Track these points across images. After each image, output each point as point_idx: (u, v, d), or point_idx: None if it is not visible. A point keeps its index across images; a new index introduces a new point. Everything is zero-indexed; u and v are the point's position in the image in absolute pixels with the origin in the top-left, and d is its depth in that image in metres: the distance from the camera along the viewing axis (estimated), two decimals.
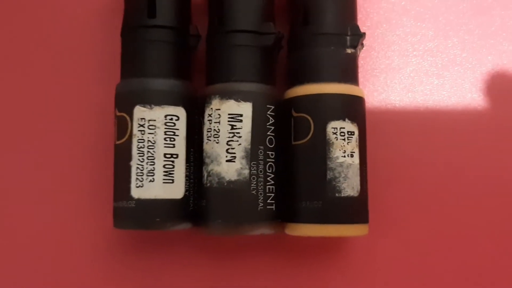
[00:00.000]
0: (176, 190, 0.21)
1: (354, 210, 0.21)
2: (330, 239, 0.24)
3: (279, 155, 0.22)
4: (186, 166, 0.22)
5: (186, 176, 0.22)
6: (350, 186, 0.21)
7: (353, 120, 0.22)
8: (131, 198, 0.21)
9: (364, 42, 0.23)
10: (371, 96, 0.25)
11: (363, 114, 0.22)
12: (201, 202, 0.22)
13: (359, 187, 0.22)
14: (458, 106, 0.25)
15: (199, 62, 0.24)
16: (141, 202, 0.21)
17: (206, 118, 0.22)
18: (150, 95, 0.21)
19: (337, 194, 0.21)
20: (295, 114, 0.22)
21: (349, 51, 0.22)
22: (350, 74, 0.22)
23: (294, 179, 0.22)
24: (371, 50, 0.26)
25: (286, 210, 0.22)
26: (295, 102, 0.22)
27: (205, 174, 0.22)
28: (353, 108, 0.22)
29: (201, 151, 0.22)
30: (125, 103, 0.22)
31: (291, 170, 0.22)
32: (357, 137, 0.22)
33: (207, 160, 0.22)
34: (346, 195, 0.21)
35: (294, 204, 0.22)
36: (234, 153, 0.21)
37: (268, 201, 0.21)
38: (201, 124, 0.22)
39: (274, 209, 0.22)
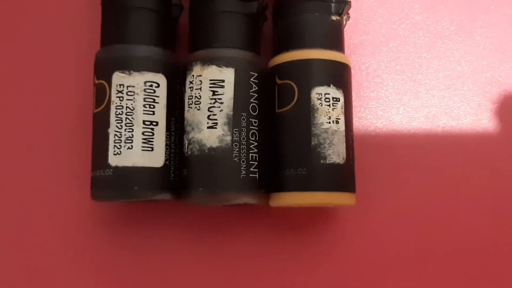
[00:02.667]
0: (156, 158, 0.21)
1: (340, 178, 0.21)
2: (316, 211, 0.23)
3: (263, 124, 0.21)
4: (167, 134, 0.21)
5: (167, 145, 0.21)
6: (335, 153, 0.21)
7: (338, 86, 0.21)
8: (109, 166, 0.20)
9: (350, 12, 0.23)
10: (357, 69, 0.24)
11: (349, 82, 0.22)
12: (182, 171, 0.21)
13: (344, 154, 0.21)
14: (442, 75, 0.25)
15: (183, 36, 0.24)
16: (119, 170, 0.20)
17: (188, 85, 0.21)
18: (129, 61, 0.21)
19: (322, 161, 0.20)
20: (279, 82, 0.21)
21: (334, 18, 0.22)
22: (335, 41, 0.22)
23: (278, 147, 0.21)
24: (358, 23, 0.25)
25: (270, 181, 0.21)
26: (279, 69, 0.21)
27: (186, 142, 0.21)
28: (338, 74, 0.21)
29: (182, 121, 0.21)
30: (104, 70, 0.21)
31: (275, 138, 0.21)
32: (343, 104, 0.21)
33: (188, 128, 0.21)
34: (332, 162, 0.20)
35: (278, 173, 0.21)
36: (216, 119, 0.21)
37: (251, 169, 0.21)
38: (182, 93, 0.22)
39: (257, 178, 0.21)
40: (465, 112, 0.24)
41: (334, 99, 0.21)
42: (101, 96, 0.21)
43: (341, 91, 0.21)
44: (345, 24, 0.23)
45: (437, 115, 0.24)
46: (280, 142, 0.21)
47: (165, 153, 0.21)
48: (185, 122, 0.21)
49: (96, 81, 0.21)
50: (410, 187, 0.24)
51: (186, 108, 0.21)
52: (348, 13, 0.23)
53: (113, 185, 0.20)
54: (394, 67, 0.25)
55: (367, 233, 0.23)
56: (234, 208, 0.23)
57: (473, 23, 0.25)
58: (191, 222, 0.23)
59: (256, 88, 0.21)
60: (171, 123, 0.21)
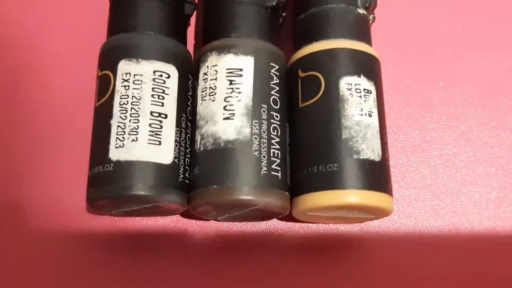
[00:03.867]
0: (163, 153, 0.18)
1: (377, 176, 0.18)
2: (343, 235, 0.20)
3: (285, 119, 0.19)
4: (177, 130, 0.19)
5: (176, 141, 0.18)
6: (369, 149, 0.18)
7: (369, 78, 0.19)
8: (109, 161, 0.18)
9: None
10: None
11: (379, 75, 0.20)
12: (193, 170, 0.18)
13: (380, 151, 0.18)
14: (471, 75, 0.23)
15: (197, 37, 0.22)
16: (120, 164, 0.18)
17: (201, 77, 0.19)
18: (137, 49, 0.19)
19: (355, 156, 0.18)
20: (302, 75, 0.19)
21: (360, 11, 0.20)
22: (363, 33, 0.20)
23: (303, 144, 0.19)
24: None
25: (294, 184, 0.18)
26: (302, 62, 0.19)
27: (198, 138, 0.18)
28: (369, 65, 0.19)
29: (194, 117, 0.19)
30: (109, 59, 0.19)
31: (299, 135, 0.19)
32: (375, 97, 0.19)
33: (200, 122, 0.19)
34: (366, 157, 0.18)
35: (304, 173, 0.18)
36: (233, 110, 0.18)
37: (273, 166, 0.18)
38: (195, 90, 0.20)
39: (279, 177, 0.18)
40: None
41: (366, 91, 0.19)
42: (105, 87, 0.19)
43: (372, 83, 0.19)
44: (371, 23, 0.21)
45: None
46: (305, 138, 0.18)
47: (174, 150, 0.18)
48: (198, 116, 0.19)
49: (100, 73, 0.19)
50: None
51: (199, 101, 0.19)
52: (373, 13, 0.21)
53: (113, 182, 0.17)
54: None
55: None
56: (248, 226, 0.20)
57: None
58: (198, 246, 0.20)
59: (277, 81, 0.19)
60: (182, 119, 0.19)
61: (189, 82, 0.20)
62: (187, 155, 0.19)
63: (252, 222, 0.21)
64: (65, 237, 0.20)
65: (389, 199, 0.18)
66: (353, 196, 0.17)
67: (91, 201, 0.18)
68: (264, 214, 0.19)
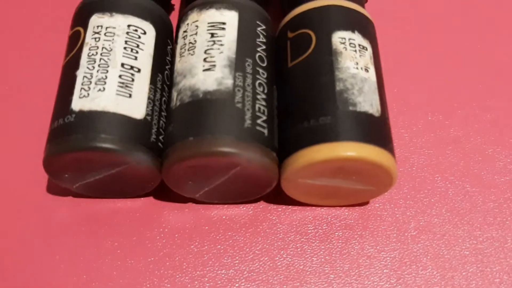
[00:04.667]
0: (134, 107, 0.16)
1: (377, 129, 0.16)
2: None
3: (272, 80, 0.17)
4: (151, 88, 0.17)
5: (150, 99, 0.16)
6: (367, 102, 0.16)
7: (364, 35, 0.17)
8: (71, 112, 0.15)
9: None
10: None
11: (375, 38, 0.18)
12: (168, 128, 0.16)
13: (379, 106, 0.16)
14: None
15: None
16: (83, 114, 0.15)
17: (181, 36, 0.18)
18: (111, 4, 0.17)
19: (351, 108, 0.16)
20: (291, 35, 0.18)
21: None
22: None
23: (290, 103, 0.16)
24: None
25: (282, 148, 0.16)
26: (291, 23, 0.18)
27: (175, 94, 0.16)
28: (363, 25, 0.18)
29: (172, 77, 0.17)
30: (81, 16, 0.17)
31: (287, 95, 0.17)
32: (371, 55, 0.17)
33: (178, 78, 0.17)
34: (363, 110, 0.16)
35: (292, 132, 0.16)
36: (214, 61, 0.16)
37: (259, 121, 0.16)
38: (175, 54, 0.18)
39: (266, 135, 0.16)
40: None
41: (361, 47, 0.17)
42: (74, 43, 0.17)
43: (368, 41, 0.17)
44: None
45: None
46: (294, 95, 0.16)
47: (147, 107, 0.16)
48: (175, 74, 0.17)
49: (70, 32, 0.18)
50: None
51: (178, 59, 0.17)
52: None
53: (74, 133, 0.15)
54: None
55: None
56: (232, 211, 0.18)
57: None
58: (169, 218, 0.17)
59: (264, 40, 0.17)
60: (158, 79, 0.17)
61: (168, 47, 0.18)
62: (161, 117, 0.17)
63: (236, 206, 0.18)
64: (21, 221, 0.17)
65: (391, 159, 0.16)
66: (350, 148, 0.15)
67: (47, 160, 0.16)
68: (248, 185, 0.16)
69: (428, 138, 0.19)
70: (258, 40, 0.17)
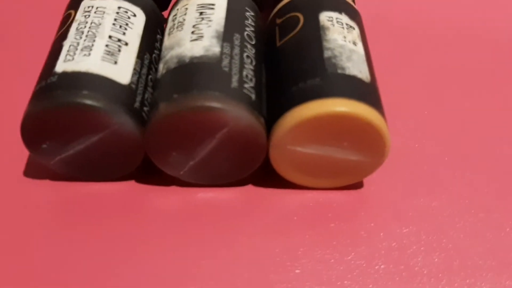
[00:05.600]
0: (119, 72, 0.16)
1: (367, 92, 0.15)
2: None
3: (260, 59, 0.17)
4: (137, 61, 0.16)
5: (135, 70, 0.16)
6: (356, 68, 0.16)
7: (351, 18, 0.17)
8: (54, 74, 0.15)
9: None
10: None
11: (362, 26, 0.18)
12: (153, 95, 0.16)
13: (368, 75, 0.16)
14: None
15: None
16: (66, 75, 0.15)
17: (170, 20, 0.18)
18: None
19: (339, 71, 0.15)
20: (279, 21, 0.18)
21: None
22: None
23: (279, 75, 0.16)
24: None
25: (270, 119, 0.16)
26: (279, 11, 0.18)
27: (161, 65, 0.16)
28: (350, 10, 0.18)
29: (159, 57, 0.17)
30: (74, 2, 0.18)
31: (276, 71, 0.17)
32: (359, 35, 0.17)
33: (165, 53, 0.16)
34: (353, 74, 0.15)
35: (281, 96, 0.15)
36: (202, 33, 0.16)
37: (246, 86, 0.15)
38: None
39: (253, 99, 0.15)
40: None
41: (348, 25, 0.17)
42: (63, 23, 0.17)
43: (355, 24, 0.17)
44: None
45: None
46: (283, 68, 0.16)
47: (132, 76, 0.16)
48: (163, 50, 0.17)
49: (63, 17, 0.18)
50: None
51: (166, 37, 0.17)
52: None
53: (56, 91, 0.15)
54: None
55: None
56: (220, 194, 0.17)
57: None
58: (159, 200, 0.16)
59: (253, 24, 0.18)
60: (145, 56, 0.17)
61: (157, 36, 0.18)
62: (147, 91, 0.16)
63: (223, 188, 0.17)
64: None
65: (383, 121, 0.15)
66: (341, 104, 0.14)
67: (26, 122, 0.15)
68: (236, 157, 0.16)
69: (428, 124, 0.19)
70: (246, 22, 0.17)
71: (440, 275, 0.15)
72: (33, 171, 0.17)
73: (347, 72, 0.15)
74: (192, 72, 0.15)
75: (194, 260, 0.15)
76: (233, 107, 0.14)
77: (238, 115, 0.15)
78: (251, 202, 0.17)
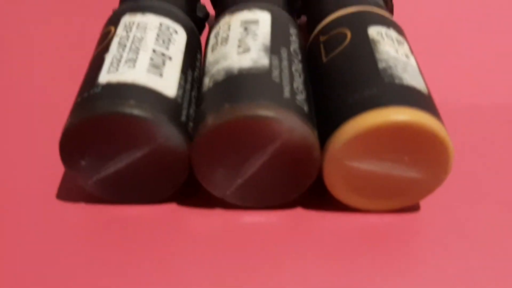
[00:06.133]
0: (165, 85, 0.15)
1: (427, 102, 0.14)
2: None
3: (307, 75, 0.16)
4: (182, 76, 0.16)
5: (180, 85, 0.15)
6: (413, 79, 0.15)
7: (399, 33, 0.17)
8: (98, 85, 0.14)
9: None
10: None
11: (408, 43, 0.18)
12: (200, 108, 0.15)
13: (425, 85, 0.15)
14: None
15: None
16: (111, 85, 0.14)
17: (212, 37, 0.17)
18: (144, 6, 0.17)
19: (397, 81, 0.15)
20: (323, 38, 0.17)
21: None
22: (388, 6, 0.19)
23: (330, 91, 0.15)
24: None
25: (323, 131, 0.15)
26: (323, 29, 0.18)
27: (207, 80, 0.15)
28: (396, 26, 0.17)
29: (200, 76, 0.16)
30: (113, 18, 0.17)
31: (325, 86, 0.16)
32: (410, 50, 0.17)
33: (210, 67, 0.16)
34: (410, 85, 0.15)
35: (334, 110, 0.15)
36: (249, 47, 0.16)
37: (297, 97, 0.15)
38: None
39: (306, 111, 0.14)
40: None
41: (398, 40, 0.16)
42: (103, 39, 0.17)
43: (403, 39, 0.17)
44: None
45: None
46: (333, 83, 0.15)
47: (178, 90, 0.15)
48: (207, 65, 0.16)
49: (103, 32, 0.17)
50: None
51: (209, 54, 0.17)
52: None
53: (99, 99, 0.14)
54: None
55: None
56: (264, 217, 0.16)
57: None
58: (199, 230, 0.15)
59: (297, 41, 0.17)
60: (188, 72, 0.16)
61: (198, 55, 0.18)
62: (191, 107, 0.15)
63: (270, 211, 0.16)
64: (27, 229, 0.15)
65: (447, 133, 0.14)
66: (402, 112, 0.14)
67: (65, 135, 0.14)
68: (287, 173, 0.15)
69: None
70: (290, 38, 0.17)
71: None
72: (67, 193, 0.16)
73: (405, 82, 0.15)
74: (242, 83, 0.14)
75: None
76: (286, 117, 0.14)
77: (292, 126, 0.14)
78: (300, 227, 0.16)
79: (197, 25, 0.20)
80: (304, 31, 0.21)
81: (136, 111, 0.14)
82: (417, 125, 0.14)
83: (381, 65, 0.15)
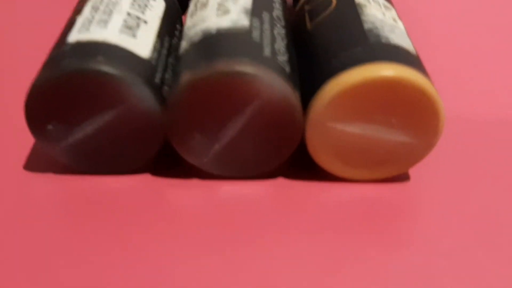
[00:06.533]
0: (138, 45, 0.14)
1: (415, 61, 0.14)
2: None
3: (290, 40, 0.16)
4: (157, 40, 0.15)
5: (155, 48, 0.15)
6: (399, 38, 0.14)
7: (387, 0, 0.16)
8: (67, 43, 0.14)
9: None
10: None
11: (396, 11, 0.17)
12: (176, 69, 0.14)
13: (412, 47, 0.14)
14: None
15: None
16: (80, 44, 0.13)
17: (191, 5, 0.16)
18: None
19: (383, 40, 0.14)
20: (308, 7, 0.17)
21: None
22: None
23: (314, 52, 0.15)
24: None
25: (306, 93, 0.14)
26: (307, 1, 0.17)
27: (184, 42, 0.15)
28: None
29: (181, 38, 0.16)
30: None
31: (310, 51, 0.15)
32: (397, 16, 0.16)
33: (187, 31, 0.15)
34: (395, 43, 0.14)
35: (318, 70, 0.14)
36: (228, 9, 0.15)
37: (279, 58, 0.14)
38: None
39: (287, 72, 0.14)
40: None
41: (385, 5, 0.16)
42: (78, 5, 0.16)
43: (392, 6, 0.16)
44: None
45: None
46: (318, 47, 0.15)
47: (152, 52, 0.14)
48: (184, 31, 0.15)
49: (78, 1, 0.17)
50: None
51: (188, 19, 0.16)
52: None
53: (67, 57, 0.13)
54: None
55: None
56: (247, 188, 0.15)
57: None
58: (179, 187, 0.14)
59: (281, 8, 0.16)
60: (165, 38, 0.15)
61: (176, 25, 0.17)
62: (166, 72, 0.15)
63: (250, 181, 0.15)
64: None
65: (436, 92, 0.13)
66: (388, 68, 0.13)
67: (30, 96, 0.13)
68: (268, 138, 0.14)
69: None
70: (274, 4, 0.16)
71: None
72: (34, 163, 0.15)
73: (392, 42, 0.14)
74: (220, 41, 0.14)
75: (217, 264, 0.13)
76: (266, 74, 0.13)
77: (272, 84, 0.13)
78: (282, 198, 0.15)
79: (181, 4, 0.19)
80: (292, 10, 0.20)
81: (104, 68, 0.13)
82: (405, 82, 0.13)
83: (366, 26, 0.14)
